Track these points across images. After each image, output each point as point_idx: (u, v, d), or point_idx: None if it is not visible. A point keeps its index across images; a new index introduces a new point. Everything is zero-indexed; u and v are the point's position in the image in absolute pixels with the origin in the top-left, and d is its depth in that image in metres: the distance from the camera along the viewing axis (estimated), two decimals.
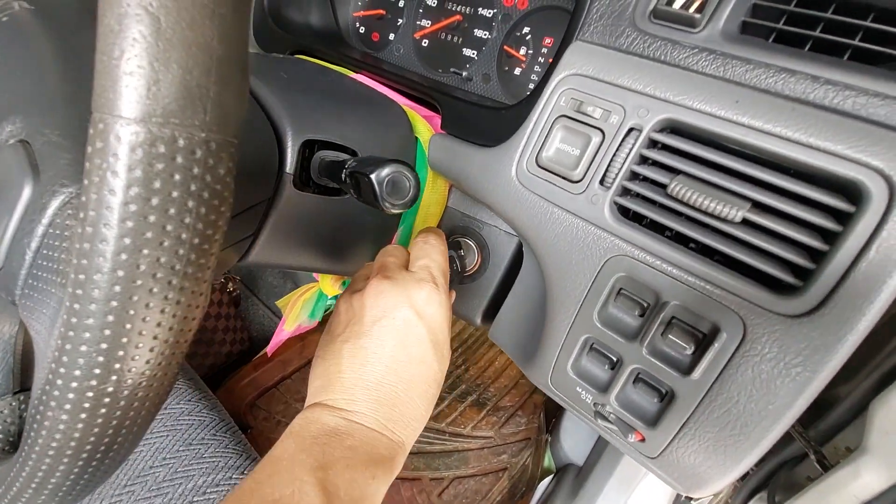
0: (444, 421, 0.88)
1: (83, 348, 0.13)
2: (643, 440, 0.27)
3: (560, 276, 0.29)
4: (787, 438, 0.53)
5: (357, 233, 0.38)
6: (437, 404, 0.91)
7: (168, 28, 0.11)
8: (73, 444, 0.14)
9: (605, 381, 0.28)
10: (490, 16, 0.46)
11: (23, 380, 0.22)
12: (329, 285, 0.47)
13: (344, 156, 0.32)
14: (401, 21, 0.53)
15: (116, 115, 0.11)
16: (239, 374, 0.87)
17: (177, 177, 0.12)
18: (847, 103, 0.21)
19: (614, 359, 0.28)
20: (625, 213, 0.26)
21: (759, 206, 0.23)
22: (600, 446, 0.69)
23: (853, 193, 0.21)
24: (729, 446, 0.24)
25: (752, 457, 0.24)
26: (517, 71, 0.45)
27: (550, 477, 0.77)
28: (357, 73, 0.46)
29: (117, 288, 0.12)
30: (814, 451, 0.47)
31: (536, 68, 0.44)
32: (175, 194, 0.12)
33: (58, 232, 0.16)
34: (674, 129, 0.25)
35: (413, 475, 0.80)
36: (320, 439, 0.24)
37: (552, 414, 0.87)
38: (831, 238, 0.21)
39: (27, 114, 0.17)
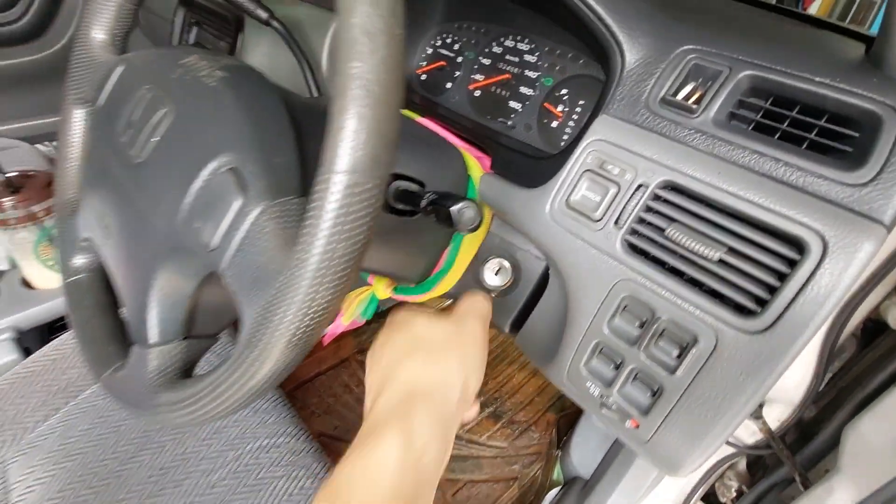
0: (462, 428, 0.95)
1: (293, 297, 0.22)
2: (637, 427, 0.35)
3: (579, 293, 0.37)
4: (777, 463, 0.59)
5: (416, 246, 0.47)
6: None
7: (373, 118, 0.20)
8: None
9: (610, 378, 0.36)
10: (535, 77, 0.56)
11: (188, 329, 0.32)
12: (382, 290, 0.56)
13: (415, 186, 0.42)
14: (458, 74, 0.63)
15: (335, 171, 0.20)
16: None
17: (364, 202, 0.21)
18: (800, 181, 0.29)
19: (618, 360, 0.35)
20: (632, 248, 0.35)
21: (732, 250, 0.31)
22: (607, 461, 0.75)
23: (799, 245, 0.29)
24: (700, 432, 0.32)
25: (718, 441, 0.31)
26: (554, 124, 0.54)
27: (559, 488, 0.82)
28: (423, 117, 0.55)
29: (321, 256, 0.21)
30: (799, 473, 0.53)
31: (570, 123, 0.53)
32: (359, 213, 0.21)
33: (257, 230, 0.26)
34: (673, 187, 0.33)
35: None
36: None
37: (563, 432, 0.93)
38: (782, 277, 0.29)
39: (240, 150, 0.27)
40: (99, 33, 0.41)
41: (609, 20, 0.38)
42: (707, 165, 0.32)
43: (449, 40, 0.64)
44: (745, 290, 0.30)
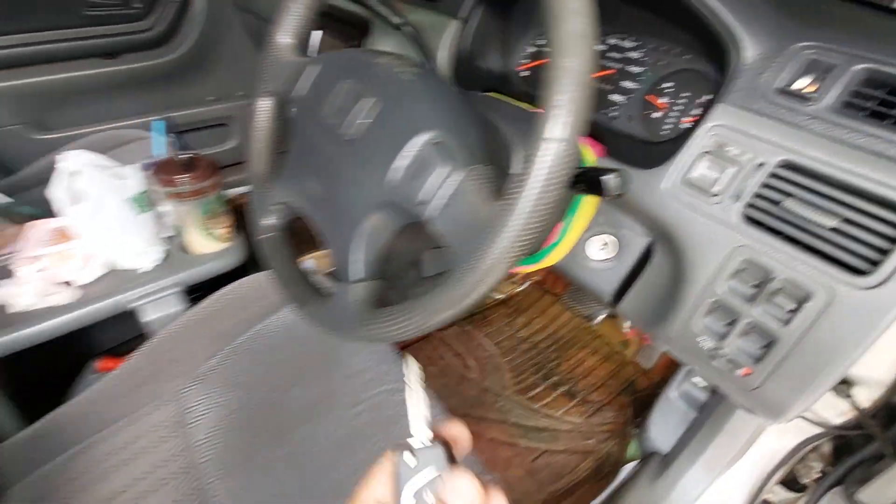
0: (538, 403, 1.01)
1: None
2: (750, 373, 0.40)
3: (696, 259, 0.43)
4: (866, 439, 0.61)
5: None
6: (532, 388, 1.04)
7: (581, 103, 0.27)
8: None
9: (723, 332, 0.41)
10: (639, 72, 0.61)
11: (379, 272, 0.40)
12: None
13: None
14: None
15: (555, 139, 0.27)
16: None
17: (566, 165, 0.28)
18: None
19: (732, 317, 0.41)
20: (749, 220, 0.40)
21: (846, 220, 0.35)
22: (687, 437, 0.79)
23: None
24: (809, 378, 0.37)
25: (824, 387, 0.36)
26: (656, 114, 0.59)
27: (635, 462, 0.87)
28: (535, 108, 0.62)
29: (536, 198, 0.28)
30: (894, 447, 0.55)
31: (673, 114, 0.58)
32: (562, 173, 0.28)
33: (463, 189, 0.33)
34: (791, 166, 0.38)
35: (511, 441, 0.94)
36: None
37: (637, 413, 0.97)
38: (893, 241, 0.33)
39: (444, 128, 0.35)
40: (286, 38, 0.51)
41: (729, 19, 0.43)
42: (823, 146, 0.37)
43: None
44: (858, 253, 0.35)
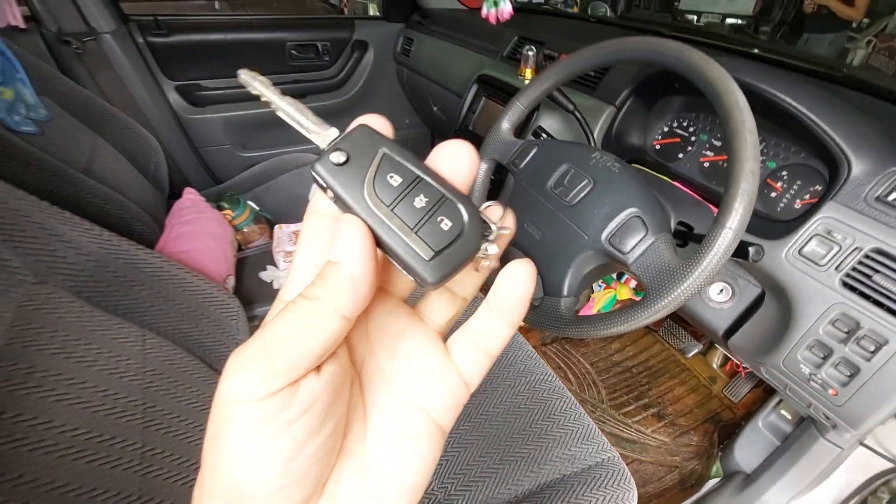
0: (630, 419, 1.17)
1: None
2: (836, 394, 0.57)
3: (803, 309, 0.60)
4: None
5: None
6: (624, 406, 1.20)
7: (752, 201, 0.47)
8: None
9: (819, 362, 0.58)
10: (762, 160, 0.79)
11: (576, 291, 0.61)
12: (625, 292, 0.82)
13: (683, 229, 0.68)
14: (690, 149, 0.88)
15: (728, 227, 0.47)
16: None
17: (733, 245, 0.48)
18: None
19: (827, 352, 0.58)
20: (846, 286, 0.57)
21: None
22: (771, 459, 0.92)
23: None
24: (882, 401, 0.53)
25: (890, 409, 0.52)
26: (773, 195, 0.77)
27: (719, 478, 1.00)
28: (674, 181, 0.81)
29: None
30: None
31: (786, 196, 0.75)
32: (730, 250, 0.48)
33: (654, 248, 0.54)
34: (880, 251, 0.55)
35: None
36: None
37: (722, 440, 1.10)
38: None
39: (641, 207, 0.56)
40: (507, 125, 0.74)
41: (843, 144, 0.61)
42: None
43: (685, 123, 0.90)
44: None
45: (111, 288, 0.60)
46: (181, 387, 0.59)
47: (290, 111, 0.20)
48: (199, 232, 0.93)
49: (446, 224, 0.18)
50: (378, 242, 0.17)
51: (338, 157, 0.18)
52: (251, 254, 1.08)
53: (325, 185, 0.18)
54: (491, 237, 0.19)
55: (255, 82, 0.21)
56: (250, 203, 1.17)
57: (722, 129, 0.48)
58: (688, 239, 0.65)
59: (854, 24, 3.19)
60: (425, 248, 0.17)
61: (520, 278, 0.18)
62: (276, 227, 1.06)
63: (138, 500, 0.45)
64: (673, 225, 0.66)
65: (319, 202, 0.19)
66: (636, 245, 0.55)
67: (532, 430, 0.74)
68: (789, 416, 0.93)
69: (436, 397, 0.19)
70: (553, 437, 0.73)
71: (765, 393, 1.16)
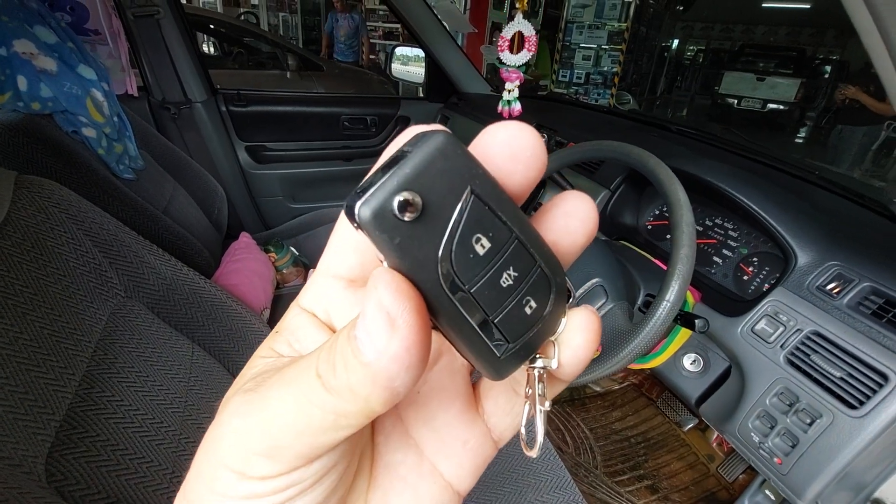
0: (623, 488, 1.19)
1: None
2: (781, 462, 0.62)
3: (754, 382, 0.67)
4: None
5: None
6: (619, 474, 1.22)
7: (686, 279, 0.57)
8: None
9: (767, 431, 0.65)
10: (734, 245, 0.88)
11: None
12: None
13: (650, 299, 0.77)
14: None
15: (667, 300, 0.57)
16: None
17: (672, 315, 0.58)
18: (893, 345, 0.57)
19: (773, 423, 0.64)
20: (790, 362, 0.64)
21: (848, 373, 0.59)
22: None
23: (884, 375, 0.56)
24: (818, 470, 0.59)
25: (829, 477, 0.58)
26: (745, 277, 0.85)
27: None
28: (654, 258, 0.92)
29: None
30: None
31: (757, 279, 0.83)
32: (669, 319, 0.58)
33: (611, 313, 0.64)
34: (817, 333, 0.63)
35: None
36: None
37: None
38: (874, 390, 0.56)
39: (604, 277, 0.67)
40: None
41: (790, 239, 0.70)
42: (839, 327, 0.62)
43: None
44: (853, 394, 0.58)
45: (175, 307, 0.75)
46: (214, 394, 0.72)
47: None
48: (246, 269, 1.10)
49: (531, 307, 0.13)
50: (434, 322, 0.13)
51: (403, 205, 0.11)
52: (286, 292, 1.23)
53: (377, 247, 0.12)
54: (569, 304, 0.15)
55: None
56: (292, 248, 1.34)
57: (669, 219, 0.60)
58: None
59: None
60: (500, 342, 0.13)
61: (592, 327, 0.15)
62: (311, 270, 1.21)
63: (171, 474, 0.56)
64: (642, 295, 0.76)
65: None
66: (597, 309, 0.65)
67: (510, 474, 0.81)
68: (773, 497, 0.94)
69: (456, 459, 0.16)
70: (528, 484, 0.80)
71: (753, 472, 1.16)
